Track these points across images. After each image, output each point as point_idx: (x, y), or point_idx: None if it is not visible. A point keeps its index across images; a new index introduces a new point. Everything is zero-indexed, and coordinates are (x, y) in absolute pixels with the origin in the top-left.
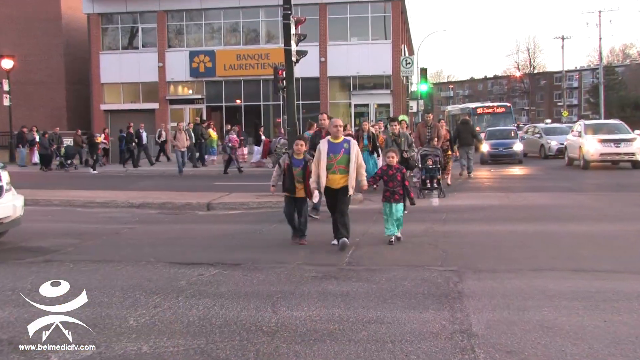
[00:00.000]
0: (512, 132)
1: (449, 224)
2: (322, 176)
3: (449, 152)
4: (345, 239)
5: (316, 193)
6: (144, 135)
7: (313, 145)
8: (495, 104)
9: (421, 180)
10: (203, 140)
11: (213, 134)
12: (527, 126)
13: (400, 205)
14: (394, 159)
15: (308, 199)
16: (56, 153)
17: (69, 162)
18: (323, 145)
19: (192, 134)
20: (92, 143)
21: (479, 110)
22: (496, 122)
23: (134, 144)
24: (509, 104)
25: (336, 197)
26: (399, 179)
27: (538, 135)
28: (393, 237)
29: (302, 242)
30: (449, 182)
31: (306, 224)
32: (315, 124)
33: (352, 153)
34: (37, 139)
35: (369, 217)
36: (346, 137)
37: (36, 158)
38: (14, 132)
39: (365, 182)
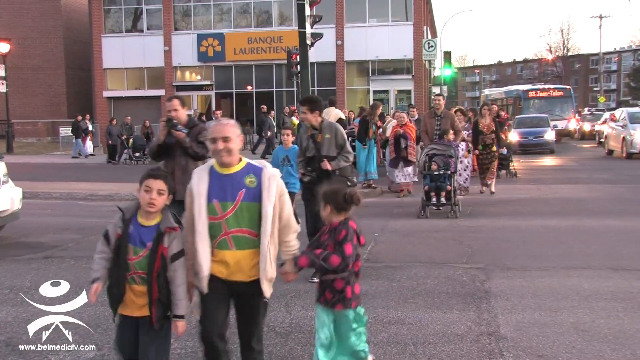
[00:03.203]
0: (543, 120)
1: (474, 218)
2: (202, 256)
3: (494, 149)
4: None
5: (195, 299)
6: None
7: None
8: (552, 86)
9: (424, 192)
10: None
11: (296, 122)
12: (618, 111)
13: (349, 313)
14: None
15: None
16: (125, 144)
17: (136, 154)
18: (198, 182)
19: (273, 123)
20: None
21: (531, 94)
22: (551, 107)
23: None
24: (568, 87)
25: (238, 304)
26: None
27: (621, 125)
28: None
29: None
30: (494, 189)
31: None
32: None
33: (265, 198)
34: (90, 127)
35: (388, 210)
36: (253, 164)
37: (89, 149)
38: (12, 122)
39: (290, 267)
